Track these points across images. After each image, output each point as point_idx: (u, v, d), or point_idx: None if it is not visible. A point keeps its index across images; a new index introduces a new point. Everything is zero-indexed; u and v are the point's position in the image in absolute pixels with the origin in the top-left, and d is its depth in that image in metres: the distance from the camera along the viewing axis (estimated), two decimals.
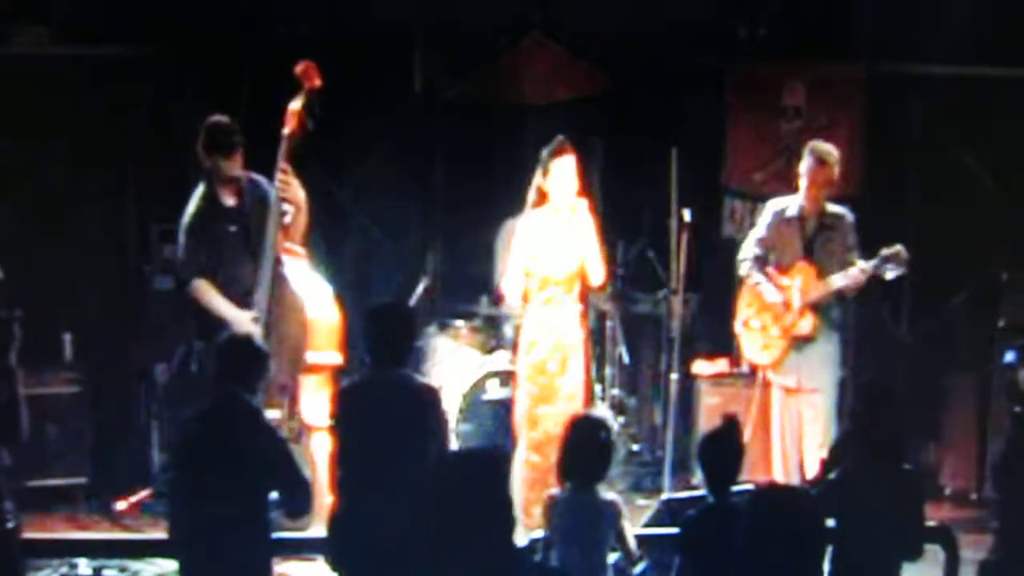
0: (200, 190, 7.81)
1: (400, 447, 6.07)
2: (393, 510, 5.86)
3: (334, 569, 6.17)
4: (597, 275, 8.25)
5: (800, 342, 8.14)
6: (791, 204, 8.23)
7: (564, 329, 8.22)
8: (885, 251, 7.94)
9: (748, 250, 8.35)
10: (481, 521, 5.10)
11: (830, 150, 8.18)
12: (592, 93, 10.37)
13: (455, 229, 10.41)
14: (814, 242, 8.17)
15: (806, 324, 8.11)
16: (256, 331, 7.29)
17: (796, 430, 8.13)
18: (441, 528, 4.93)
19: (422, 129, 10.49)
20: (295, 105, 7.79)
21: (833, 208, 8.23)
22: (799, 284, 8.13)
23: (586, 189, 8.29)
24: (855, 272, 7.99)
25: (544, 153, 8.09)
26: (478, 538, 5.02)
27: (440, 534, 4.89)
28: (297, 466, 6.05)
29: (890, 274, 7.98)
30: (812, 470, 7.71)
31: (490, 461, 5.45)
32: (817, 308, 8.12)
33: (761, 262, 8.28)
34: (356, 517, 6.07)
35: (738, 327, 8.44)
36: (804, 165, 8.17)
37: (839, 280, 8.03)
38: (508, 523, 5.35)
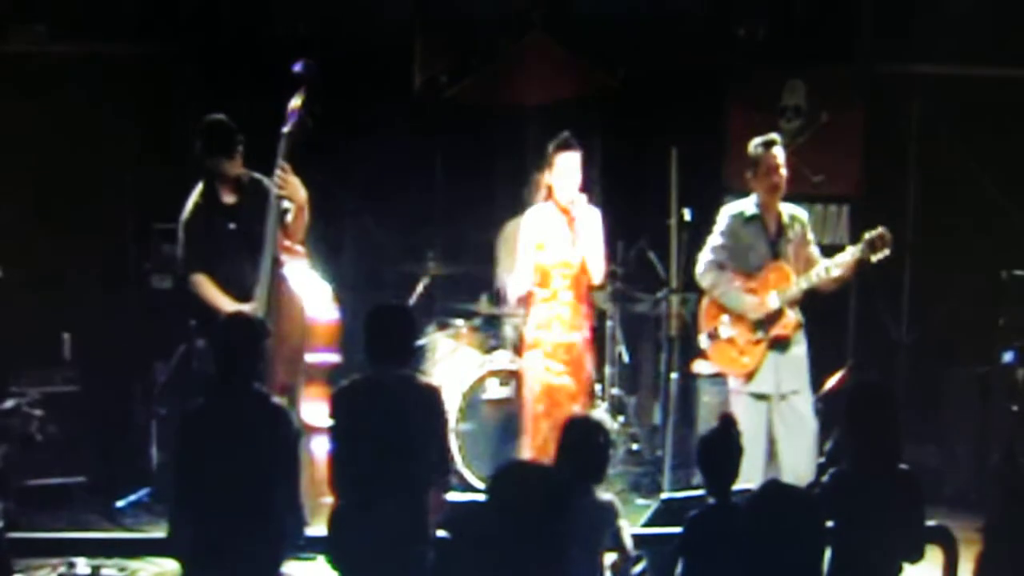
0: (199, 187, 7.81)
1: (400, 446, 6.07)
2: (393, 510, 5.85)
3: (334, 569, 6.16)
4: (597, 273, 8.28)
5: (779, 344, 7.93)
6: (748, 206, 8.03)
7: (568, 327, 8.24)
8: (869, 234, 7.74)
9: (707, 260, 8.08)
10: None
11: (768, 138, 7.97)
12: (593, 93, 10.37)
13: (455, 228, 10.41)
14: (779, 240, 7.99)
15: (788, 324, 7.91)
16: None
17: (764, 437, 8.00)
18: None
19: (422, 128, 10.48)
20: (295, 103, 7.79)
21: (789, 208, 8.05)
22: (773, 284, 8.01)
23: (587, 187, 8.32)
24: (845, 256, 7.82)
25: (550, 148, 8.15)
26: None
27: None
28: (298, 485, 5.99)
29: (875, 257, 7.84)
30: (806, 475, 7.67)
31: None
32: (795, 307, 7.95)
33: (722, 269, 8.03)
34: (356, 517, 6.05)
35: (703, 341, 8.18)
36: (753, 159, 7.96)
37: (824, 271, 7.85)
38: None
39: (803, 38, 10.27)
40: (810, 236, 8.07)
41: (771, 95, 10.36)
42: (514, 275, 8.45)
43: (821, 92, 10.25)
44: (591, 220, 8.27)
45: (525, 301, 8.47)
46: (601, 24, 10.30)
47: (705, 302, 8.19)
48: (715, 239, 8.08)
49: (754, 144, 8.00)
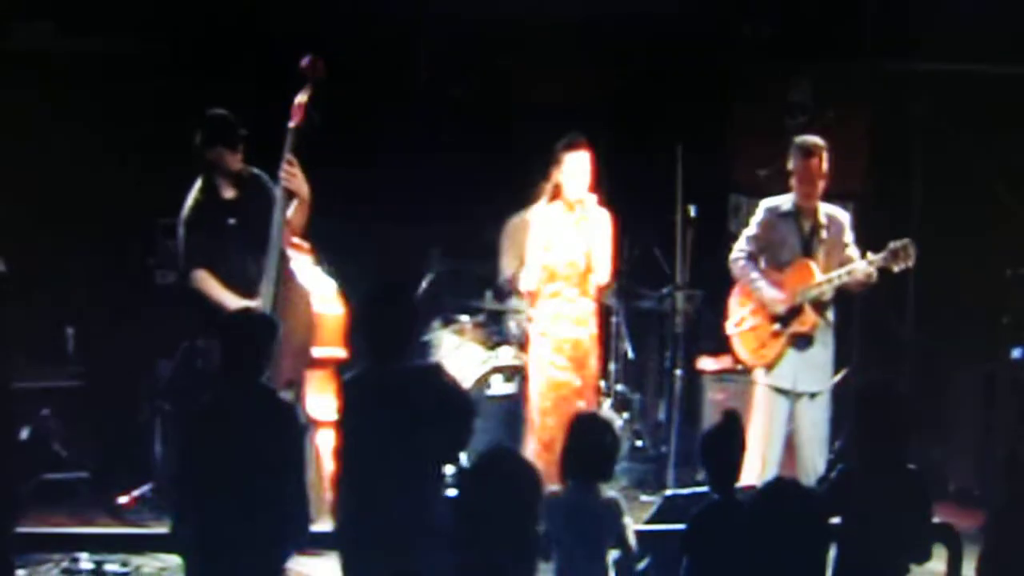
0: (199, 183, 7.82)
1: (416, 439, 5.96)
2: (408, 504, 5.79)
3: (342, 566, 6.11)
4: (601, 274, 8.29)
5: (799, 341, 8.00)
6: (785, 202, 8.09)
7: (573, 323, 8.26)
8: (893, 244, 7.83)
9: (740, 249, 8.17)
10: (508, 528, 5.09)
11: (815, 142, 8.04)
12: (598, 91, 10.36)
13: (459, 225, 10.39)
14: (812, 240, 8.04)
15: (807, 321, 7.96)
16: None
17: (783, 432, 8.04)
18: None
19: (426, 126, 10.48)
20: (301, 99, 7.78)
21: (828, 208, 8.10)
22: (795, 281, 8.03)
23: (596, 186, 8.34)
24: (863, 264, 7.89)
25: (558, 147, 8.17)
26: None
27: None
28: (304, 480, 5.97)
29: (897, 267, 7.89)
30: (814, 474, 7.67)
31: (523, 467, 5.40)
32: (818, 306, 8.00)
33: (754, 260, 8.13)
34: (368, 512, 5.97)
35: (730, 328, 8.27)
36: (792, 162, 8.02)
37: (845, 273, 7.92)
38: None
39: (809, 36, 10.26)
40: (847, 238, 8.06)
41: (777, 93, 10.36)
42: (523, 272, 8.46)
43: (827, 90, 10.24)
44: (600, 220, 8.28)
45: (531, 297, 8.49)
46: (606, 22, 10.29)
47: (736, 290, 8.26)
48: (750, 230, 8.20)
49: (798, 147, 8.03)
